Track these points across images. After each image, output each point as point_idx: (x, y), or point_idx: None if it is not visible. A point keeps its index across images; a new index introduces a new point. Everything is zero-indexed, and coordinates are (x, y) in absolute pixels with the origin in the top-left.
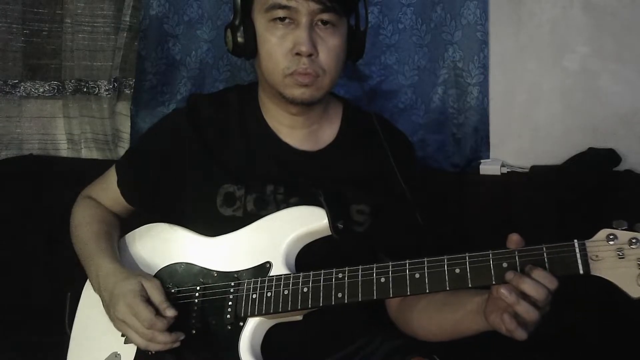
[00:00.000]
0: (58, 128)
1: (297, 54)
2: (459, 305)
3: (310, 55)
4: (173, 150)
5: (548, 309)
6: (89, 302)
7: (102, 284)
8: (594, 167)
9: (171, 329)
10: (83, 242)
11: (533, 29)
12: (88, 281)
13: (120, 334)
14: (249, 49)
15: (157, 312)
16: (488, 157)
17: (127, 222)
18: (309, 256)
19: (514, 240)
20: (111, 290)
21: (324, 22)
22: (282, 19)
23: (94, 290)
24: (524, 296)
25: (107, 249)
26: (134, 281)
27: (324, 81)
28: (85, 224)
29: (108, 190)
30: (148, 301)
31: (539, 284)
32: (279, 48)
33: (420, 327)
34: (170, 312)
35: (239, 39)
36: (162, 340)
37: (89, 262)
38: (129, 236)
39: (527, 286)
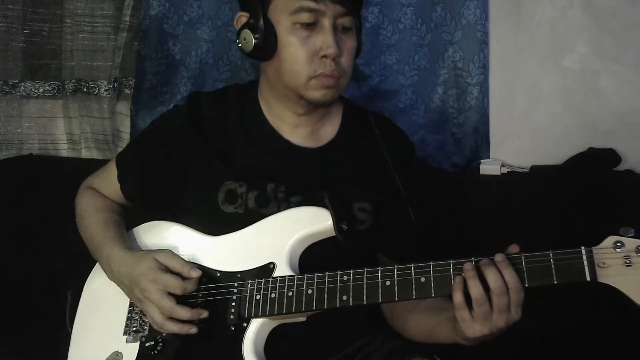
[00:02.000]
0: (58, 128)
1: (324, 56)
2: (440, 309)
3: (335, 57)
4: (174, 147)
5: (516, 318)
6: (90, 301)
7: (117, 272)
8: (594, 167)
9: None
10: (91, 232)
11: (533, 29)
12: (89, 278)
13: (122, 332)
14: (271, 51)
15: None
16: (488, 157)
17: (129, 220)
18: (312, 257)
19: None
20: (129, 274)
21: (343, 27)
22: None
23: (109, 278)
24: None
25: (116, 236)
26: (148, 259)
27: (343, 82)
28: (91, 214)
29: (109, 183)
30: (169, 271)
31: (499, 276)
32: (304, 51)
33: (406, 328)
34: (195, 273)
35: (261, 41)
36: (183, 314)
37: (99, 252)
38: (132, 233)
39: (489, 271)
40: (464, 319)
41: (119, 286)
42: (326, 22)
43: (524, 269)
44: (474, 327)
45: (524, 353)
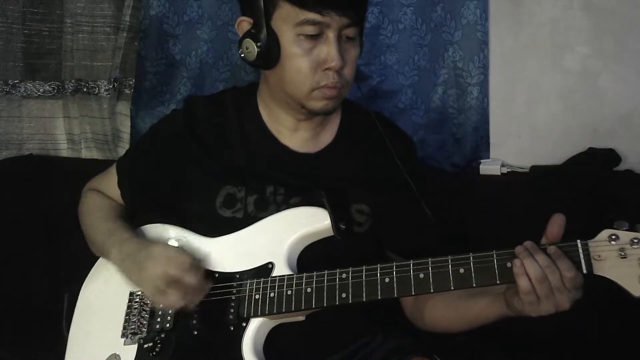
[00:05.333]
0: (58, 128)
1: (327, 68)
2: (482, 293)
3: (338, 69)
4: (172, 153)
5: (579, 296)
6: (87, 304)
7: (134, 247)
8: (594, 167)
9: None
10: (97, 227)
11: (533, 29)
12: (86, 282)
13: (120, 335)
14: (273, 61)
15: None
16: (488, 157)
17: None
18: (311, 257)
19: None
20: (147, 246)
21: (347, 37)
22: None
23: (116, 261)
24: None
25: (124, 225)
26: (164, 245)
27: (344, 92)
28: (95, 211)
29: (110, 188)
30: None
31: (552, 263)
32: (308, 62)
33: (442, 319)
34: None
35: (263, 51)
36: (189, 282)
37: (108, 239)
38: None
39: (540, 256)
40: (531, 302)
41: (123, 271)
42: (331, 34)
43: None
44: (540, 308)
45: (524, 353)
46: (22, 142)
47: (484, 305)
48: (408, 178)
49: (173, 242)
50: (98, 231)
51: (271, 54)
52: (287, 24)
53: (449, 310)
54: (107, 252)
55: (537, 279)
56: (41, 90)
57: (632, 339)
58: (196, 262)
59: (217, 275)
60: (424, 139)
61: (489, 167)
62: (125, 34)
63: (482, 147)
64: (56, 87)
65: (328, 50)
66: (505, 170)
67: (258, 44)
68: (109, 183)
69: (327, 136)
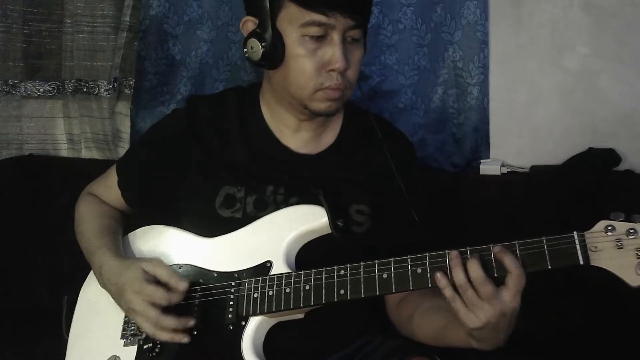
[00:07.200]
0: (58, 128)
1: (331, 70)
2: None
3: (342, 71)
4: (173, 153)
5: (515, 305)
6: (87, 306)
7: (106, 278)
8: (594, 167)
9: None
10: (86, 238)
11: (533, 29)
12: (85, 284)
13: (119, 336)
14: (278, 61)
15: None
16: (488, 157)
17: (130, 223)
18: (309, 255)
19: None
20: (116, 282)
21: (352, 39)
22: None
23: (100, 286)
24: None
25: (109, 243)
26: (134, 268)
27: (348, 93)
28: (88, 220)
29: (110, 190)
30: (156, 282)
31: (479, 266)
32: (312, 63)
33: (417, 332)
34: (182, 285)
35: (268, 51)
36: (169, 324)
37: (92, 258)
38: (127, 238)
39: (470, 262)
40: (459, 310)
41: (109, 294)
42: (335, 36)
43: (519, 256)
44: (468, 317)
45: (524, 352)
46: (22, 142)
47: (453, 325)
48: (400, 182)
49: (163, 246)
50: (85, 244)
51: (276, 54)
52: (292, 24)
53: (426, 323)
54: (91, 266)
55: (460, 287)
56: (41, 90)
57: (632, 338)
58: (172, 295)
59: (215, 275)
60: (424, 139)
61: (489, 167)
62: (125, 34)
63: (482, 147)
64: (56, 87)
65: (332, 51)
66: (505, 170)
67: (263, 44)
68: (107, 185)
69: (329, 137)
